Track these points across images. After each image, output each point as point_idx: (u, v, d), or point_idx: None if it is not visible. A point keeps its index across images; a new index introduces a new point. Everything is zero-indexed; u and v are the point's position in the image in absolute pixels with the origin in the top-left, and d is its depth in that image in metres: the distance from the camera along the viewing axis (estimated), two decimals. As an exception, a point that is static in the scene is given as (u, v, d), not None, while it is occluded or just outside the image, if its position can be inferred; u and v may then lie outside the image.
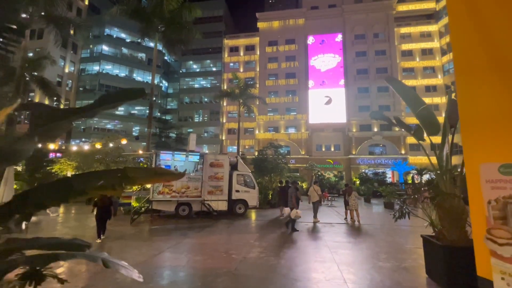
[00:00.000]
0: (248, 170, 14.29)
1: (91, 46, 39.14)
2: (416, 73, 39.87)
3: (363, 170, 34.36)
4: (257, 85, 40.73)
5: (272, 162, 20.02)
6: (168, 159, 12.78)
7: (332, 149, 39.52)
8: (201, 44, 42.97)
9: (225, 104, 43.13)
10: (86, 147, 15.34)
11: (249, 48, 43.66)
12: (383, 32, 40.24)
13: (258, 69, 42.44)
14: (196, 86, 43.31)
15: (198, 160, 13.19)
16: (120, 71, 39.32)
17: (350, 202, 11.98)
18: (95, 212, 8.56)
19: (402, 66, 40.12)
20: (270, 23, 42.75)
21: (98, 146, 15.60)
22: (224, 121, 42.86)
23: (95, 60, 38.23)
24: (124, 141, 16.51)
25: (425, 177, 29.48)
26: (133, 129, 39.49)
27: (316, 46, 40.97)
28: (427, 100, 38.97)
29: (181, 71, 44.02)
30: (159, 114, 41.91)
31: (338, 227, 10.90)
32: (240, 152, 38.75)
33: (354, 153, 38.22)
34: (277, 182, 20.24)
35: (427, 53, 40.16)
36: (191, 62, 43.79)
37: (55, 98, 16.90)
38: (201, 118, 42.76)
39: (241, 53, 42.93)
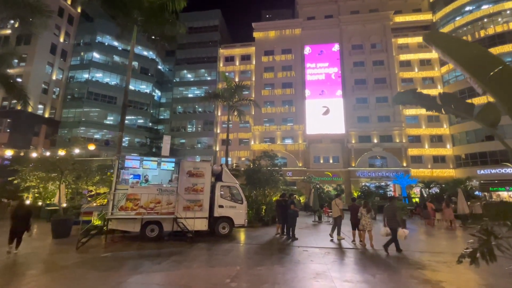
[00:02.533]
0: (235, 181, 11.75)
1: (81, 53, 37.31)
2: (416, 84, 38.21)
3: (364, 183, 31.78)
4: (253, 95, 38.84)
5: (266, 173, 17.49)
6: (136, 166, 10.27)
7: (331, 161, 37.07)
8: (196, 53, 41.52)
9: (219, 114, 41.01)
10: (48, 153, 12.79)
11: (245, 58, 42.10)
12: (380, 42, 38.94)
13: (254, 79, 40.66)
14: (190, 95, 41.27)
15: (173, 168, 10.68)
16: (111, 79, 37.31)
17: (362, 222, 9.41)
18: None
19: (401, 76, 38.55)
20: (266, 33, 41.43)
21: (61, 153, 13.07)
22: (218, 131, 40.56)
23: (84, 67, 36.27)
24: (92, 147, 14.03)
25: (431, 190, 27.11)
26: (123, 139, 36.87)
27: (313, 56, 39.47)
28: (427, 112, 37.11)
29: (174, 80, 42.12)
30: (150, 124, 39.59)
31: (345, 254, 8.28)
32: (234, 164, 36.23)
33: (353, 165, 35.79)
34: (271, 196, 17.71)
35: (425, 63, 38.75)
36: (185, 71, 41.99)
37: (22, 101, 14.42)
38: (194, 128, 40.42)
39: (237, 63, 41.32)
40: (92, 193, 16.40)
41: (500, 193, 31.71)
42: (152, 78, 39.51)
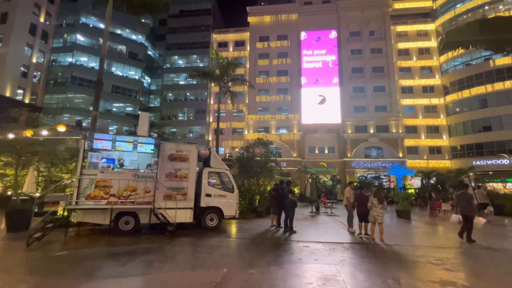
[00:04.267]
0: (225, 167, 10.22)
1: (64, 35, 34.67)
2: (413, 73, 37.01)
3: (362, 174, 30.73)
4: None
5: (260, 161, 16.01)
6: (107, 147, 8.61)
7: (326, 152, 35.86)
8: (187, 38, 39.27)
9: (212, 102, 39.14)
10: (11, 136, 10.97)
11: (239, 44, 40.05)
12: (379, 29, 37.41)
13: (248, 66, 38.76)
14: (181, 82, 39.16)
15: (152, 151, 9.07)
16: (97, 64, 34.80)
17: (372, 213, 8.08)
18: None
19: (399, 65, 37.23)
20: (261, 17, 39.36)
21: (28, 134, 11.28)
22: (211, 120, 38.77)
23: (68, 50, 33.72)
24: (62, 128, 12.25)
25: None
26: (110, 128, 34.82)
27: (309, 42, 37.71)
28: (425, 101, 36.15)
29: (165, 66, 39.86)
30: (139, 111, 37.38)
31: (354, 250, 6.92)
32: (227, 154, 34.68)
33: (349, 155, 34.69)
34: (265, 185, 16.28)
35: (424, 52, 37.47)
36: (176, 57, 39.73)
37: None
38: (185, 117, 38.50)
39: (230, 49, 39.25)
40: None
41: (494, 184, 31.11)
42: (141, 64, 37.19)
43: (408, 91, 36.61)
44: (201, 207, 9.23)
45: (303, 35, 37.86)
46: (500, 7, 32.60)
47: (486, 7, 33.25)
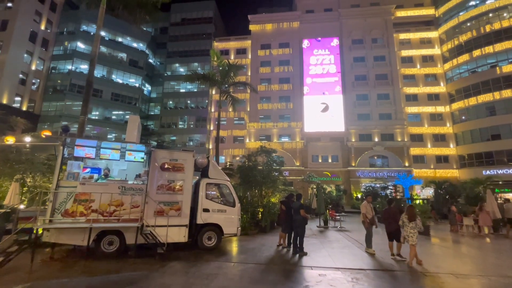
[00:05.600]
0: (226, 177, 9.02)
1: (65, 43, 34.15)
2: (418, 81, 36.12)
3: (369, 184, 29.35)
4: (248, 90, 36.09)
5: (263, 171, 14.80)
6: (90, 155, 7.45)
7: (330, 160, 34.59)
8: (188, 46, 38.77)
9: (212, 110, 38.23)
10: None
11: (240, 52, 39.47)
12: (381, 37, 36.79)
13: (249, 73, 38.03)
14: (182, 90, 38.36)
15: (142, 160, 7.92)
16: (97, 71, 34.08)
17: (404, 232, 6.91)
18: None
19: (403, 72, 36.39)
20: (263, 25, 38.91)
21: (10, 140, 10.18)
22: (212, 128, 37.74)
23: (68, 57, 33.11)
24: (47, 134, 11.14)
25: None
26: (108, 136, 33.78)
27: (312, 50, 37.06)
28: (430, 109, 35.10)
29: (166, 74, 39.17)
30: (139, 119, 36.41)
31: (383, 281, 5.62)
32: (228, 162, 33.44)
33: (353, 165, 33.39)
34: (269, 197, 15.02)
35: (428, 60, 36.69)
36: (177, 64, 39.09)
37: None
38: (186, 125, 37.49)
39: (232, 56, 38.60)
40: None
41: (505, 195, 29.62)
42: (141, 71, 36.51)
43: (413, 98, 35.64)
44: (198, 224, 7.98)
45: (305, 42, 37.28)
46: (505, 14, 31.97)
47: (490, 15, 32.63)
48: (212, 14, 39.82)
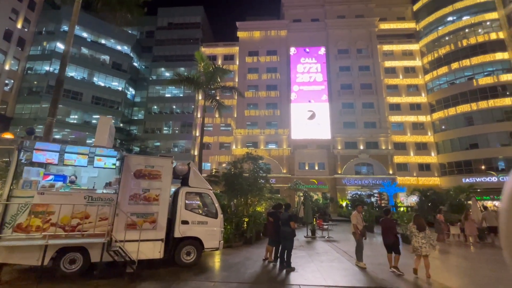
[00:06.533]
0: (208, 186, 8.30)
1: (44, 43, 32.47)
2: (400, 91, 37.07)
3: (355, 192, 29.26)
4: (235, 96, 35.60)
5: (249, 178, 14.14)
6: (52, 160, 6.54)
7: (316, 168, 34.44)
8: (175, 50, 37.97)
9: (199, 115, 37.34)
10: None
11: (228, 58, 39.13)
12: (366, 48, 37.65)
13: (237, 80, 37.66)
14: (167, 95, 37.35)
15: (113, 166, 7.09)
16: (77, 73, 32.61)
17: (413, 243, 6.64)
18: None
19: (386, 82, 37.25)
20: (251, 33, 38.89)
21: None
22: (198, 134, 36.72)
23: (46, 58, 31.44)
24: (8, 136, 10.03)
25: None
26: (87, 141, 32.05)
27: (299, 58, 37.29)
28: (412, 118, 35.94)
29: (151, 78, 38.05)
30: (122, 124, 34.98)
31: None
32: (214, 169, 32.50)
33: (340, 172, 33.39)
34: (255, 206, 14.34)
35: (410, 71, 37.83)
36: (162, 68, 38.13)
37: None
38: (170, 130, 36.35)
39: (219, 62, 38.14)
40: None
41: (484, 202, 30.43)
42: (125, 75, 35.24)
43: (396, 108, 36.44)
44: (175, 238, 7.18)
45: (292, 50, 37.50)
46: (480, 30, 33.60)
47: (467, 30, 34.20)
48: (200, 20, 39.42)
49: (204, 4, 40.34)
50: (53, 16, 32.77)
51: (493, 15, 32.78)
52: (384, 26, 39.05)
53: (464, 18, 34.55)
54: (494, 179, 29.26)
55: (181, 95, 36.76)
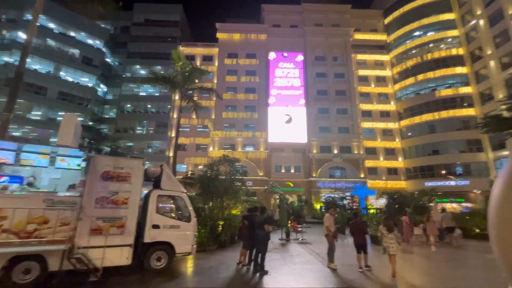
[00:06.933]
0: (181, 189, 8.05)
1: (3, 31, 29.79)
2: (372, 98, 39.00)
3: (328, 194, 30.14)
4: (214, 97, 35.16)
5: (225, 181, 14.00)
6: (6, 160, 5.96)
7: (292, 171, 35.03)
8: (151, 48, 36.77)
9: (175, 116, 36.34)
10: None
11: (207, 58, 38.66)
12: (341, 56, 39.21)
13: (215, 81, 37.28)
14: (142, 93, 35.96)
15: (78, 167, 6.63)
16: (42, 66, 30.30)
17: (383, 243, 7.10)
18: None
19: (359, 90, 38.99)
20: (231, 35, 38.82)
21: None
22: (173, 135, 35.70)
23: (5, 48, 28.90)
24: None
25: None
26: (51, 140, 29.80)
27: (278, 62, 37.87)
28: (382, 125, 37.87)
29: (124, 75, 36.42)
30: (91, 122, 32.98)
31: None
32: (190, 172, 31.75)
33: (314, 175, 34.23)
34: (230, 209, 14.21)
35: (381, 80, 39.96)
36: (138, 66, 36.69)
37: None
38: (145, 130, 34.99)
39: (198, 63, 37.51)
40: None
41: (444, 204, 32.85)
42: (96, 70, 33.39)
43: (368, 114, 38.24)
44: (145, 243, 6.85)
45: (271, 55, 37.99)
46: (442, 45, 36.46)
47: (431, 45, 36.95)
48: (179, 18, 38.59)
49: (184, 3, 39.57)
50: (15, 2, 30.22)
51: (454, 32, 35.77)
52: (359, 36, 40.96)
53: (429, 33, 37.32)
54: (452, 183, 31.69)
55: (157, 94, 35.60)
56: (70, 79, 31.67)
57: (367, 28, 42.09)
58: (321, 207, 29.44)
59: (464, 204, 30.40)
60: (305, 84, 37.45)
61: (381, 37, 41.40)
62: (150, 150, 34.78)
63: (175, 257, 7.47)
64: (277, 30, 39.52)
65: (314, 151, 35.00)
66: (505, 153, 28.98)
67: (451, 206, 32.07)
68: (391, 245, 6.96)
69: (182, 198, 7.78)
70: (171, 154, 34.69)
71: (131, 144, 34.31)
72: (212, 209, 13.16)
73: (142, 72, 37.03)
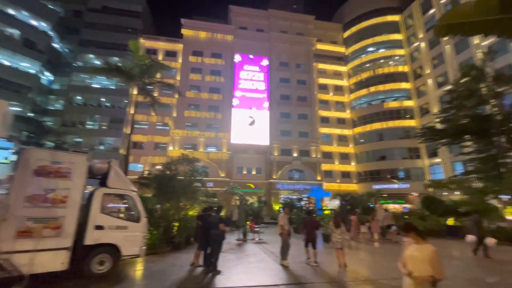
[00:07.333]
0: (131, 187, 7.53)
1: None
2: (330, 106, 41.44)
3: (286, 196, 31.05)
4: (176, 95, 33.88)
5: (183, 181, 13.53)
6: None
7: (254, 173, 35.39)
8: (108, 37, 34.15)
9: (133, 111, 34.08)
10: None
11: (170, 54, 37.14)
12: (304, 64, 40.97)
13: (179, 78, 36.00)
14: (96, 85, 33.07)
15: (7, 160, 5.80)
16: (-31, 46, 25.97)
17: (332, 238, 7.86)
18: None
19: (319, 97, 41.13)
20: (197, 32, 37.93)
21: None
22: (130, 132, 33.44)
23: None
24: None
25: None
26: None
27: (243, 65, 38.06)
28: (338, 131, 40.39)
29: (75, 64, 33.09)
30: (31, 114, 29.24)
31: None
32: (146, 171, 30.01)
33: (275, 177, 35.03)
34: (187, 210, 13.78)
35: (338, 89, 42.71)
36: (91, 55, 33.65)
37: None
38: (97, 126, 32.15)
39: (160, 57, 35.79)
40: None
41: (387, 205, 36.28)
42: (40, 56, 29.76)
43: (326, 121, 40.52)
44: (86, 245, 6.24)
45: (237, 57, 38.03)
46: (391, 62, 40.47)
47: (382, 60, 40.77)
48: (141, 9, 36.48)
49: (147, -5, 37.52)
50: None
51: (401, 51, 39.98)
52: (320, 46, 43.29)
53: (381, 50, 41.14)
54: (395, 186, 35.15)
55: (113, 87, 33.05)
56: (7, 63, 27.72)
57: (328, 39, 44.73)
58: (279, 208, 30.18)
59: (404, 205, 33.85)
60: (269, 88, 38.24)
61: (340, 49, 44.33)
62: (102, 147, 32.06)
63: (121, 260, 6.94)
64: (244, 32, 39.78)
65: (275, 154, 35.85)
66: (438, 160, 33.23)
67: (394, 207, 35.58)
68: (339, 239, 7.59)
69: (132, 197, 7.28)
70: (126, 152, 32.44)
71: (80, 139, 31.21)
72: (168, 210, 12.59)
73: (97, 62, 34.06)
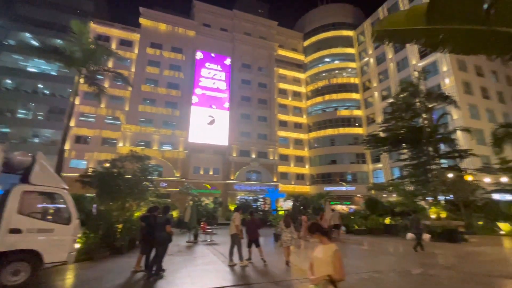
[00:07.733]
0: (61, 184, 6.57)
1: None
2: (288, 110, 42.89)
3: (243, 197, 31.04)
4: (129, 88, 31.40)
5: (130, 180, 12.45)
6: None
7: (211, 173, 34.65)
8: (50, 16, 30.24)
9: (78, 102, 30.61)
10: None
11: (125, 43, 34.40)
12: (265, 67, 41.71)
13: (133, 70, 33.50)
14: (31, 69, 28.89)
15: None
16: None
17: (282, 237, 8.06)
18: None
19: (278, 101, 42.24)
20: (156, 23, 35.86)
21: None
22: (73, 124, 29.92)
23: None
24: None
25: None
26: None
27: (204, 62, 37.13)
28: (295, 135, 41.98)
29: (5, 42, 28.44)
30: None
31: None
32: (90, 169, 27.15)
33: (232, 178, 34.82)
34: (133, 210, 12.73)
35: (296, 95, 44.47)
36: (28, 34, 29.29)
37: None
38: (31, 115, 28.06)
39: (114, 46, 32.82)
40: None
41: (335, 206, 38.86)
42: (-42, 27, 24.86)
43: (284, 124, 41.80)
44: (-3, 252, 5.24)
45: (199, 54, 36.96)
46: (344, 73, 43.64)
47: (337, 71, 43.71)
48: (93, -9, 33.06)
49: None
50: None
51: (353, 64, 43.40)
52: (282, 52, 44.60)
53: (336, 61, 44.11)
54: (344, 188, 37.83)
55: (54, 74, 29.25)
56: None
57: (289, 46, 46.36)
58: (234, 208, 30.10)
59: (350, 206, 36.60)
60: (230, 89, 37.97)
61: (300, 56, 46.28)
62: (36, 140, 28.09)
63: (45, 269, 6.00)
64: (207, 30, 38.91)
65: (234, 154, 35.67)
66: (380, 165, 36.76)
67: (341, 208, 38.26)
68: (288, 239, 7.88)
69: (61, 195, 6.36)
70: (68, 147, 28.98)
71: (7, 130, 26.86)
72: (110, 211, 11.45)
73: (35, 43, 29.78)
